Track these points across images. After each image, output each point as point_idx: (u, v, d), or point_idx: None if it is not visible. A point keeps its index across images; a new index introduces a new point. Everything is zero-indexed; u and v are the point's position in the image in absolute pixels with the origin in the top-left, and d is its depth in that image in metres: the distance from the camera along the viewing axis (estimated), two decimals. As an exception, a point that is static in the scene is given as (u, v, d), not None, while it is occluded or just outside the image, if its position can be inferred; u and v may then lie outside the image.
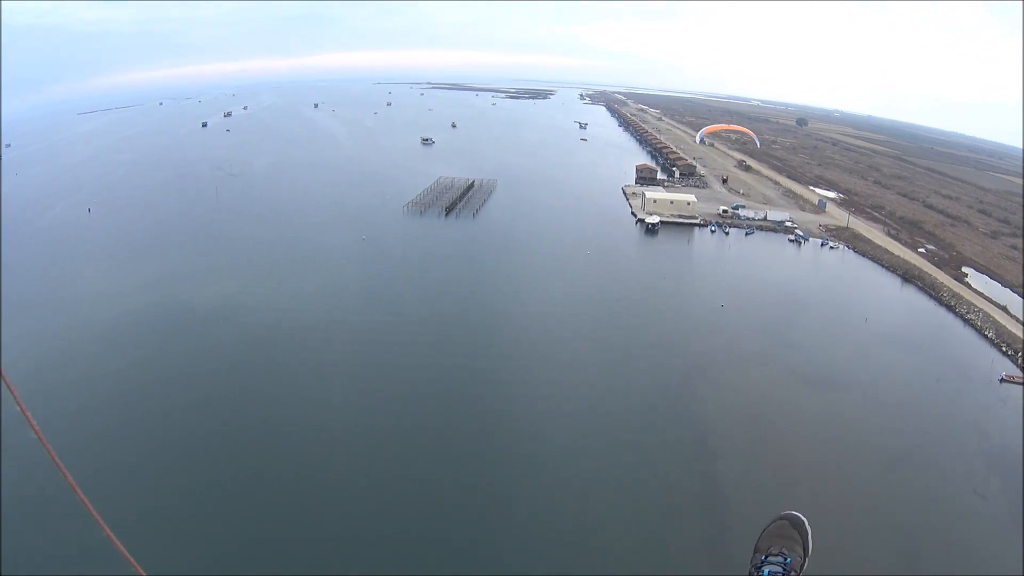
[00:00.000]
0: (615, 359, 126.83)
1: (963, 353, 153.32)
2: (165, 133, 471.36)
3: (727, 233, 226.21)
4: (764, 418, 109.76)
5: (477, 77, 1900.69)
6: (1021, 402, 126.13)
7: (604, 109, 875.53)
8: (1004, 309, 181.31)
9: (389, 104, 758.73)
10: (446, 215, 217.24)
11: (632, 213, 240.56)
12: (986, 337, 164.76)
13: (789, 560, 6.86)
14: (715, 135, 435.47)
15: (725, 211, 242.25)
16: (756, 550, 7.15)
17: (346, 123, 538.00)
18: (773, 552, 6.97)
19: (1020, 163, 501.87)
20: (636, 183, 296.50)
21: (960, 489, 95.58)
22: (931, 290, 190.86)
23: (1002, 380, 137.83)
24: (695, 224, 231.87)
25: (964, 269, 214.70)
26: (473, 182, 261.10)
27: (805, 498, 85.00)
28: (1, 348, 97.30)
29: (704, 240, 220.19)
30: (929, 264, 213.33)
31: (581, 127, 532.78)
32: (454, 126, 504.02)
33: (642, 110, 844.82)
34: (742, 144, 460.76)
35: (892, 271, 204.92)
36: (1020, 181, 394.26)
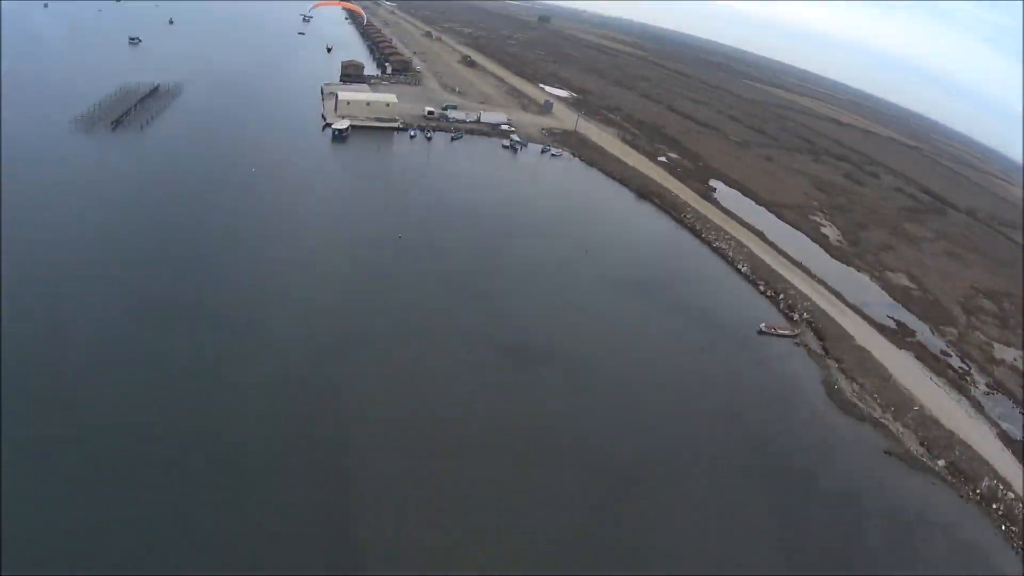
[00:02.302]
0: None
1: (712, 294, 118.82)
2: None
3: (429, 138, 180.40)
4: (431, 426, 71.61)
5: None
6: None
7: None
8: (760, 235, 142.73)
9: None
10: (114, 128, 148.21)
11: (322, 116, 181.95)
12: (739, 271, 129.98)
13: None
14: (443, 29, 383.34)
15: (431, 113, 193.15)
16: None
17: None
18: None
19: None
20: (340, 81, 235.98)
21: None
22: (672, 210, 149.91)
23: (761, 332, 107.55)
24: (394, 128, 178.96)
25: (712, 183, 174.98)
26: (157, 86, 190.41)
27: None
28: None
29: (401, 148, 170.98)
30: (671, 176, 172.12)
31: (304, 20, 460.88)
32: (171, 22, 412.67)
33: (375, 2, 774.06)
34: (474, 39, 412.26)
35: (625, 185, 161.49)
36: (771, 89, 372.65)
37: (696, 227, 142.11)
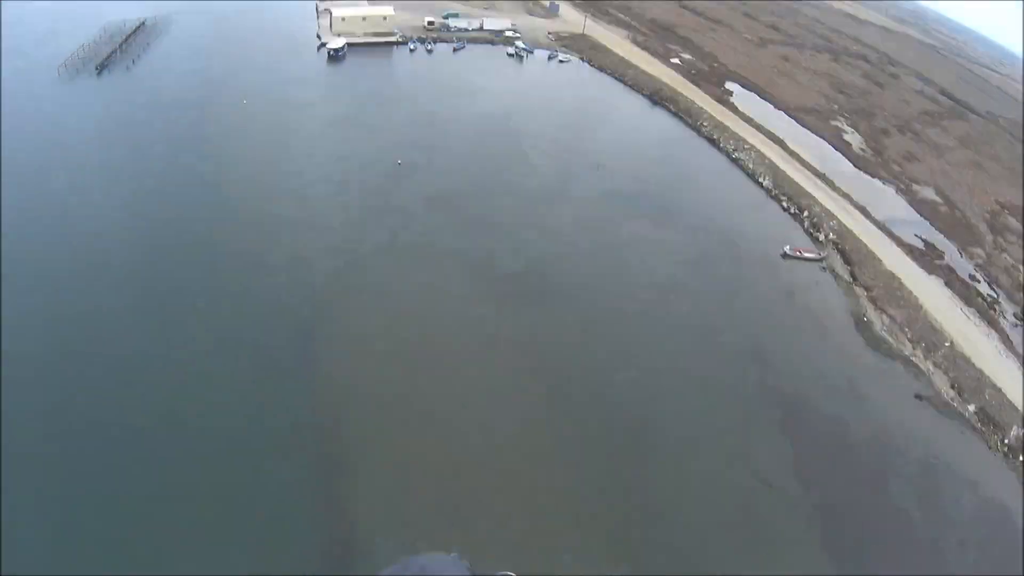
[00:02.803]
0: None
1: (733, 213, 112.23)
2: None
3: (430, 51, 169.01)
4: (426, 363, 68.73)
5: None
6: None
7: None
8: (781, 143, 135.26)
9: None
10: (99, 73, 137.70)
11: (317, 36, 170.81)
12: (760, 185, 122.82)
13: None
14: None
15: (431, 23, 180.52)
16: None
17: None
18: None
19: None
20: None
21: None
22: (687, 116, 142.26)
23: (785, 255, 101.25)
24: (393, 43, 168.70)
25: (727, 85, 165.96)
26: (143, 22, 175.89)
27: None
28: None
29: (401, 64, 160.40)
30: (685, 80, 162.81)
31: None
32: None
33: None
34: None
35: (638, 91, 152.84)
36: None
37: (714, 136, 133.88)
